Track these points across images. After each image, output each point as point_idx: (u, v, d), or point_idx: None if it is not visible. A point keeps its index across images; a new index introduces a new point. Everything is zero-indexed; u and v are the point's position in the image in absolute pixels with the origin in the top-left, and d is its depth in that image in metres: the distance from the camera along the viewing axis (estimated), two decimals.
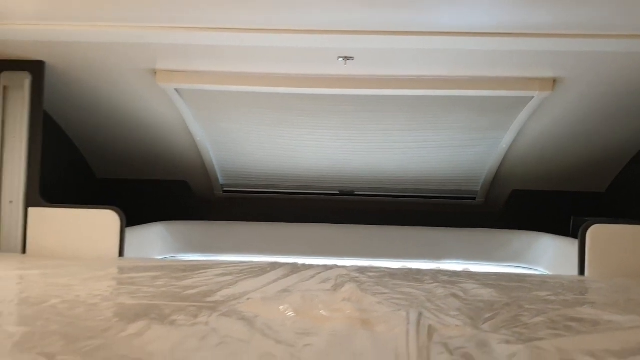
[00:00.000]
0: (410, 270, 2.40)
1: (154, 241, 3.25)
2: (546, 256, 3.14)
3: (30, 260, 2.29)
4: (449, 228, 3.58)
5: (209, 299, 1.54)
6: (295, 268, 2.31)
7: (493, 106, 2.96)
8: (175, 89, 2.86)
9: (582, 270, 2.52)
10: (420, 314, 1.39)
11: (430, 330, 1.24)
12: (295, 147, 3.42)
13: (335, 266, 2.39)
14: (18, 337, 1.10)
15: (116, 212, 2.61)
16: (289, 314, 1.40)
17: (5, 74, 2.64)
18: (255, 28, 2.33)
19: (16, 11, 2.28)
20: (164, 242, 3.38)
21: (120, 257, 2.56)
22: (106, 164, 3.79)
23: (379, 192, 3.73)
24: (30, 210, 2.62)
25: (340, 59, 2.49)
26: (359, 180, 3.65)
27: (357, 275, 2.13)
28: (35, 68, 2.65)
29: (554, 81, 2.69)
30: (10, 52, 2.59)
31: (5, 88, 2.65)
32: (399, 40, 2.32)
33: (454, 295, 1.76)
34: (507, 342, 1.18)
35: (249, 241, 3.60)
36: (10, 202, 2.62)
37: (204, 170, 3.70)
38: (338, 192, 3.77)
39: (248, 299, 1.57)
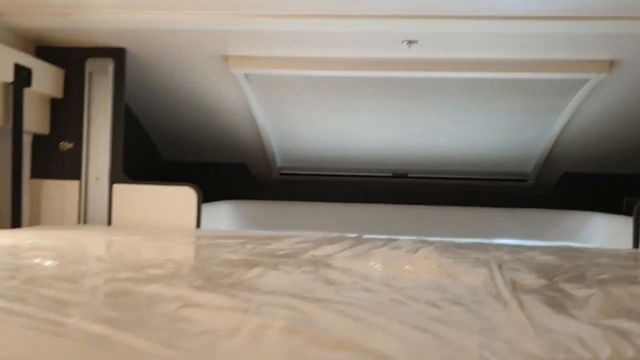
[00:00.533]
0: (472, 242, 2.54)
1: (222, 217, 3.46)
2: (599, 234, 3.23)
3: (121, 231, 2.49)
4: (501, 208, 3.70)
5: (302, 257, 1.71)
6: (361, 239, 2.47)
7: (548, 89, 3.06)
8: (245, 74, 3.04)
9: (636, 247, 2.62)
10: (499, 267, 1.53)
11: (513, 281, 1.38)
12: (352, 130, 3.57)
13: (399, 239, 2.54)
14: (163, 271, 1.29)
15: (194, 188, 2.82)
16: (377, 266, 1.56)
17: (90, 60, 2.86)
18: (323, 14, 2.49)
19: (101, 1, 2.48)
20: (230, 218, 3.60)
21: (199, 229, 2.77)
22: (172, 147, 4.01)
23: (432, 175, 3.86)
24: (115, 186, 2.84)
25: (405, 43, 2.63)
26: (412, 162, 3.79)
27: (423, 245, 2.28)
28: (117, 54, 2.86)
29: (611, 63, 2.78)
30: (95, 40, 2.80)
31: (90, 73, 2.87)
32: (461, 24, 2.45)
33: (521, 260, 1.89)
34: (581, 289, 1.32)
35: (307, 219, 3.77)
36: (96, 179, 2.85)
37: (263, 153, 3.89)
38: (391, 174, 3.92)
39: (335, 257, 1.74)
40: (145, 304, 0.99)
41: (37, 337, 0.76)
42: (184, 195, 2.81)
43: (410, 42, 2.62)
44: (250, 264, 1.50)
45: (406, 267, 1.57)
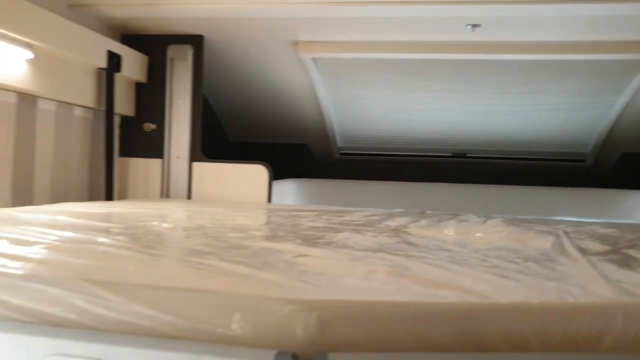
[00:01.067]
0: (533, 217, 2.64)
1: (287, 194, 3.67)
2: None
3: (204, 203, 2.72)
4: (560, 187, 3.77)
5: (378, 226, 1.88)
6: (427, 214, 2.61)
7: (609, 69, 3.11)
8: (312, 58, 3.21)
9: None
10: (565, 234, 1.66)
11: (579, 247, 1.51)
12: (413, 110, 3.70)
13: (462, 214, 2.67)
14: (264, 233, 1.48)
15: (265, 166, 3.02)
16: (450, 233, 1.71)
17: (172, 47, 3.09)
18: (391, 0, 2.62)
19: None
20: (294, 195, 3.81)
21: (270, 203, 2.98)
22: (238, 129, 4.24)
23: (491, 154, 3.96)
24: (194, 164, 3.08)
25: (468, 27, 2.73)
26: (471, 142, 3.89)
27: (486, 219, 2.40)
28: (196, 41, 3.08)
29: None
30: (176, 28, 3.02)
31: (171, 59, 3.10)
32: (525, 8, 2.53)
33: (583, 232, 2.00)
34: None
35: (367, 198, 3.94)
36: (177, 157, 3.09)
37: (324, 134, 4.07)
38: (450, 154, 4.03)
39: (409, 227, 1.89)
40: (264, 254, 1.18)
41: (198, 273, 0.96)
42: (257, 173, 3.02)
43: (474, 26, 2.72)
44: (334, 230, 1.68)
45: (477, 234, 1.72)
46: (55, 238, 1.25)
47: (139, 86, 3.09)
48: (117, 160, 3.01)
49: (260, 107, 3.92)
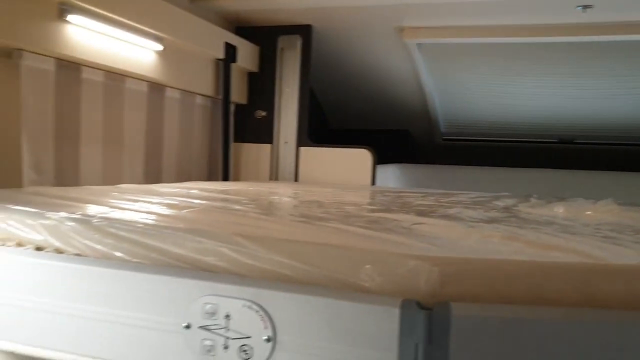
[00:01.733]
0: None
1: (389, 179, 3.75)
2: None
3: (312, 185, 2.86)
4: None
5: (487, 205, 1.92)
6: (533, 197, 2.59)
7: None
8: (417, 44, 3.26)
9: None
10: None
11: None
12: (518, 95, 3.65)
13: (568, 198, 2.62)
14: (377, 207, 1.58)
15: (370, 151, 3.12)
16: (560, 211, 1.73)
17: (282, 37, 3.25)
18: None
19: None
20: (396, 180, 3.88)
21: (375, 186, 3.08)
22: (340, 115, 4.37)
23: (600, 140, 3.82)
24: (301, 149, 3.23)
25: (579, 8, 2.67)
26: (579, 128, 3.78)
27: (597, 201, 2.36)
28: (304, 31, 3.22)
29: None
30: (286, 19, 3.18)
31: (281, 49, 3.27)
32: None
33: None
34: None
35: (470, 183, 3.93)
36: (285, 142, 3.26)
37: (426, 120, 4.10)
38: (557, 140, 3.93)
39: (517, 206, 1.92)
40: (383, 222, 1.27)
41: (329, 232, 1.08)
42: (362, 157, 3.12)
43: (585, 7, 2.66)
44: (444, 207, 1.75)
45: (587, 212, 1.72)
46: (199, 204, 1.42)
47: (251, 75, 3.29)
48: (232, 146, 3.23)
49: (362, 94, 4.02)
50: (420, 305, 0.87)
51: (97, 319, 0.99)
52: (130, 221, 1.08)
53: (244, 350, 0.92)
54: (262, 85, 3.28)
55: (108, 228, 1.06)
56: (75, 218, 1.08)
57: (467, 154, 4.21)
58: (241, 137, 3.28)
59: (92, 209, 1.20)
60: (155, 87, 2.57)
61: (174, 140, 2.73)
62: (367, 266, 0.91)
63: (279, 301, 0.92)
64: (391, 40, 3.27)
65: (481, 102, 3.78)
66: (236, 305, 0.93)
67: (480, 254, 0.97)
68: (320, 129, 4.42)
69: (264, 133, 3.27)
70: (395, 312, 0.84)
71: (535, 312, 0.84)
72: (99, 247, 1.05)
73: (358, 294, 0.90)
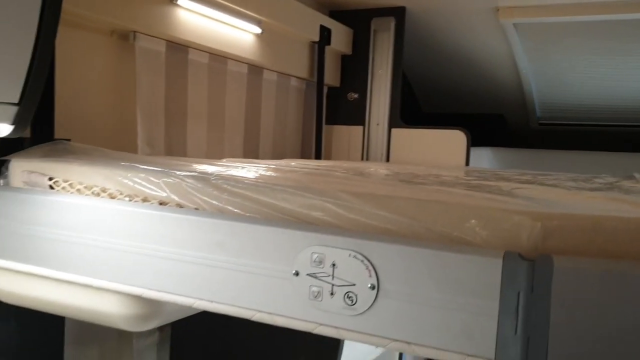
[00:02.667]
0: None
1: (482, 161, 3.71)
2: None
3: (406, 164, 2.89)
4: None
5: (590, 180, 1.88)
6: (631, 176, 2.48)
7: None
8: (513, 24, 3.19)
9: None
10: None
11: None
12: (620, 76, 3.48)
13: None
14: (473, 178, 1.59)
15: (464, 132, 3.10)
16: None
17: (375, 19, 3.28)
18: None
19: None
20: (489, 163, 3.82)
21: (470, 166, 3.06)
22: (432, 99, 4.34)
23: None
24: (393, 130, 3.26)
25: None
26: None
27: None
28: (398, 13, 3.24)
29: None
30: (380, 1, 3.21)
31: (374, 32, 3.30)
32: None
33: None
34: None
35: (568, 168, 3.78)
36: (377, 124, 3.30)
37: (521, 103, 3.99)
38: None
39: (620, 182, 1.86)
40: (483, 187, 1.29)
41: (431, 191, 1.11)
42: (455, 138, 3.11)
43: None
44: (543, 180, 1.73)
45: None
46: (301, 170, 1.50)
47: (344, 58, 3.35)
48: (324, 128, 3.30)
49: (455, 77, 3.98)
50: (523, 257, 0.89)
51: (215, 266, 1.09)
52: (243, 179, 1.16)
53: (349, 297, 0.98)
54: (355, 67, 3.33)
55: (223, 185, 1.15)
56: (194, 176, 1.18)
57: (564, 138, 4.06)
58: (333, 120, 3.35)
59: (208, 169, 1.30)
60: (254, 69, 2.68)
61: (270, 121, 2.84)
62: (472, 221, 0.94)
63: (382, 252, 0.96)
64: (486, 21, 3.22)
65: (580, 84, 3.63)
66: (342, 255, 0.99)
67: (583, 210, 0.98)
68: (413, 112, 4.41)
69: (355, 115, 3.33)
70: (498, 263, 0.87)
71: (637, 267, 0.84)
72: (215, 202, 1.15)
73: (462, 246, 0.93)
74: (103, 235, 1.19)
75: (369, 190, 1.11)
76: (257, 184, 1.13)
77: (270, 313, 1.05)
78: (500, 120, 4.23)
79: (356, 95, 3.33)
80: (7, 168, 1.38)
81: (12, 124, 1.22)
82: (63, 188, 1.28)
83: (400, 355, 2.88)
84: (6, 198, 1.28)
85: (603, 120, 3.88)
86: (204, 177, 1.17)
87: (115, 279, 1.19)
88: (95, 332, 1.94)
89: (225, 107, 2.52)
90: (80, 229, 1.22)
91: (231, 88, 2.54)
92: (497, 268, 0.87)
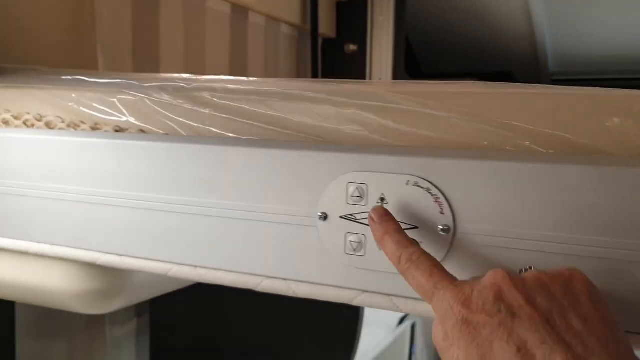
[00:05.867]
0: None
1: None
2: None
3: None
4: None
5: None
6: None
7: None
8: None
9: None
10: None
11: None
12: None
13: None
14: None
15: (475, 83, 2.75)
16: None
17: None
18: None
19: None
20: None
21: None
22: (433, 58, 3.99)
23: None
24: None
25: None
26: None
27: None
28: None
29: None
30: None
31: None
32: None
33: None
34: None
35: None
36: (379, 79, 2.94)
37: (533, 57, 3.66)
38: None
39: None
40: None
41: None
42: None
43: None
44: None
45: None
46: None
47: (339, 5, 2.98)
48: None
49: (459, 34, 3.63)
50: None
51: (200, 214, 0.73)
52: (235, 89, 0.80)
53: None
54: (352, 15, 2.96)
55: (206, 97, 0.78)
56: (162, 88, 0.82)
57: None
58: (330, 74, 2.99)
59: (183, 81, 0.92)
60: (238, 9, 2.31)
61: (259, 70, 2.48)
62: (614, 119, 0.59)
63: (461, 176, 0.62)
64: None
65: (601, 33, 3.30)
66: (396, 184, 0.64)
67: None
68: (413, 74, 4.06)
69: (354, 69, 2.96)
70: None
71: None
72: (194, 123, 0.79)
73: (595, 156, 0.59)
74: (39, 180, 0.84)
75: (429, 89, 0.76)
76: (259, 93, 0.77)
77: (284, 279, 0.70)
78: (508, 77, 3.89)
79: (355, 47, 2.96)
80: None
81: None
82: None
83: (412, 339, 2.56)
84: None
85: (623, 73, 3.56)
86: (177, 89, 0.81)
87: (59, 241, 0.83)
88: (56, 321, 1.59)
89: (206, 55, 2.15)
90: (8, 173, 0.86)
91: (211, 32, 2.17)
92: None
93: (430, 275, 0.52)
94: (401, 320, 2.54)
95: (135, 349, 1.78)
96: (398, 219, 0.63)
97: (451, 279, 0.53)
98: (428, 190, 0.62)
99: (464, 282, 0.51)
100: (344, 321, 1.63)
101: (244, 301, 1.76)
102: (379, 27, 2.93)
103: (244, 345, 2.01)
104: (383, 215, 0.62)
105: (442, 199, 0.62)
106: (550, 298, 0.45)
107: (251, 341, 2.03)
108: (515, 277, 0.48)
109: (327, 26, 2.88)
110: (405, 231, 0.62)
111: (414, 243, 0.59)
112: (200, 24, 2.07)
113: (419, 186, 0.62)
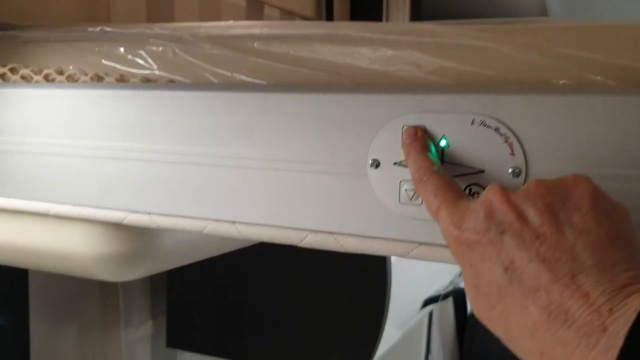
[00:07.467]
0: None
1: None
2: None
3: None
4: None
5: None
6: None
7: None
8: None
9: None
10: None
11: None
12: None
13: None
14: None
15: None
16: None
17: None
18: None
19: None
20: None
21: None
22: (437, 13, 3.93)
23: None
24: None
25: None
26: None
27: None
28: None
29: None
30: None
31: None
32: None
33: None
34: None
35: None
36: None
37: (541, 8, 3.59)
38: None
39: None
40: None
41: None
42: None
43: None
44: None
45: None
46: None
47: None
48: None
49: (467, 6, 3.56)
50: None
51: (238, 166, 0.68)
52: (278, 35, 0.74)
53: (476, 192, 0.57)
54: (366, 9, 2.91)
55: (237, 44, 0.73)
56: (190, 39, 0.76)
57: None
58: None
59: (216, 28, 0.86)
60: (254, 4, 2.26)
61: None
62: None
63: (534, 112, 0.56)
64: None
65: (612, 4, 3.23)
66: (459, 124, 0.59)
67: None
68: None
69: None
70: None
71: None
72: (225, 72, 0.73)
73: None
74: (61, 136, 0.78)
75: (490, 26, 0.70)
76: (297, 35, 0.71)
77: (331, 232, 0.65)
78: None
79: None
80: None
81: None
82: (0, 76, 0.86)
83: (430, 320, 2.50)
84: None
85: None
86: (211, 36, 0.75)
87: (82, 200, 0.78)
88: (71, 322, 1.53)
89: None
90: (29, 131, 0.80)
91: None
92: None
93: (435, 196, 0.49)
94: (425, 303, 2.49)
95: (151, 352, 1.71)
96: (461, 162, 0.57)
97: (454, 199, 0.48)
98: (496, 129, 0.56)
99: (468, 201, 0.47)
100: (370, 294, 1.56)
101: (265, 311, 1.67)
102: (394, 21, 2.88)
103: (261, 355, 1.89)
104: (412, 135, 0.57)
105: (512, 139, 0.56)
106: (545, 210, 0.40)
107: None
108: (508, 191, 0.44)
109: (341, 19, 2.84)
110: (470, 175, 0.56)
111: (430, 163, 0.54)
112: (215, 16, 2.03)
113: (485, 125, 0.57)
